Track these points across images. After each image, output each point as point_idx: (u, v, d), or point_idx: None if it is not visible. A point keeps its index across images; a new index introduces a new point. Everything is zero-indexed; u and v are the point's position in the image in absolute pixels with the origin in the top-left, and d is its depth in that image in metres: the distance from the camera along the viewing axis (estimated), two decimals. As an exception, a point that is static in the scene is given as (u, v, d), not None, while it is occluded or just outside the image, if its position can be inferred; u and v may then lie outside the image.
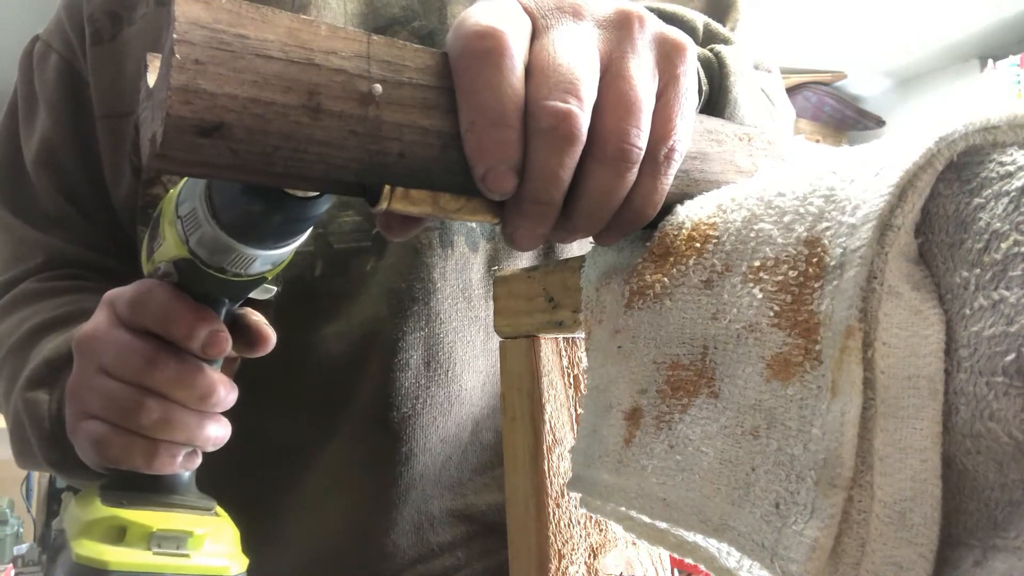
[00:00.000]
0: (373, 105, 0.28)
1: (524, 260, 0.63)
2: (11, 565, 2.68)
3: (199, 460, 0.44)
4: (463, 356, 0.60)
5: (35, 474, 3.21)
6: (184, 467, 0.43)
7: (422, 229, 0.34)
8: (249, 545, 0.47)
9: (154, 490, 0.43)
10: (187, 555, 0.41)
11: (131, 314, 0.42)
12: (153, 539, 0.40)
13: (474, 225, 0.60)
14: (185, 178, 0.40)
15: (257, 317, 0.46)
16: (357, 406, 0.58)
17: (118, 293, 0.44)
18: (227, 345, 0.42)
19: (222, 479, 0.50)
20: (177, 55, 0.25)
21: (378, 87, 0.28)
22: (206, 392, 0.42)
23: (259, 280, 0.42)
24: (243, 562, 0.44)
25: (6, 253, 0.67)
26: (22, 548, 2.77)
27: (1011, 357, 0.22)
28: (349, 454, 0.58)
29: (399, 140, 0.29)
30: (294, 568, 0.60)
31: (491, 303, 0.61)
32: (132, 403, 0.41)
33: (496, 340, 0.61)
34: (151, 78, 0.30)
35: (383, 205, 0.30)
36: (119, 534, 0.41)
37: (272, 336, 0.47)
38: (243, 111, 0.26)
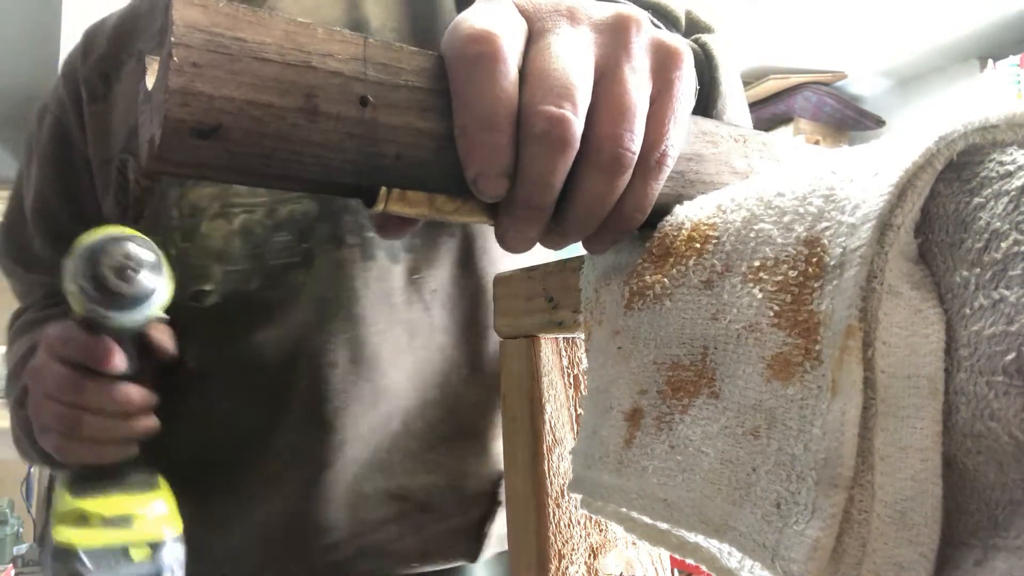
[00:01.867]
0: (369, 107, 0.28)
1: (443, 269, 0.67)
2: (11, 565, 2.68)
3: (136, 448, 0.58)
4: (388, 355, 0.66)
5: (35, 474, 3.21)
6: (125, 454, 0.57)
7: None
8: (205, 525, 0.59)
9: (108, 476, 0.56)
10: (133, 529, 0.55)
11: (60, 351, 0.56)
12: (107, 522, 0.54)
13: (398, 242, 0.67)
14: (75, 251, 0.52)
15: (158, 335, 0.60)
16: (295, 401, 0.65)
17: (51, 335, 0.57)
18: (120, 363, 0.55)
19: (185, 467, 0.61)
20: (175, 58, 0.25)
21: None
22: (124, 401, 0.55)
23: (146, 322, 0.56)
24: (178, 526, 0.57)
25: (18, 292, 0.84)
26: (22, 548, 2.78)
27: (1011, 356, 0.22)
28: (291, 443, 0.65)
29: (395, 142, 0.29)
30: (245, 543, 0.67)
31: (413, 307, 0.66)
32: (73, 419, 0.54)
33: (421, 339, 0.66)
34: (149, 81, 0.30)
35: (380, 207, 0.30)
36: (83, 520, 0.54)
37: (170, 347, 0.61)
38: (240, 113, 0.26)
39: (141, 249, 0.53)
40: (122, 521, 0.54)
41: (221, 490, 0.66)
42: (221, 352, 0.64)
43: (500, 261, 0.69)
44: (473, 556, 0.65)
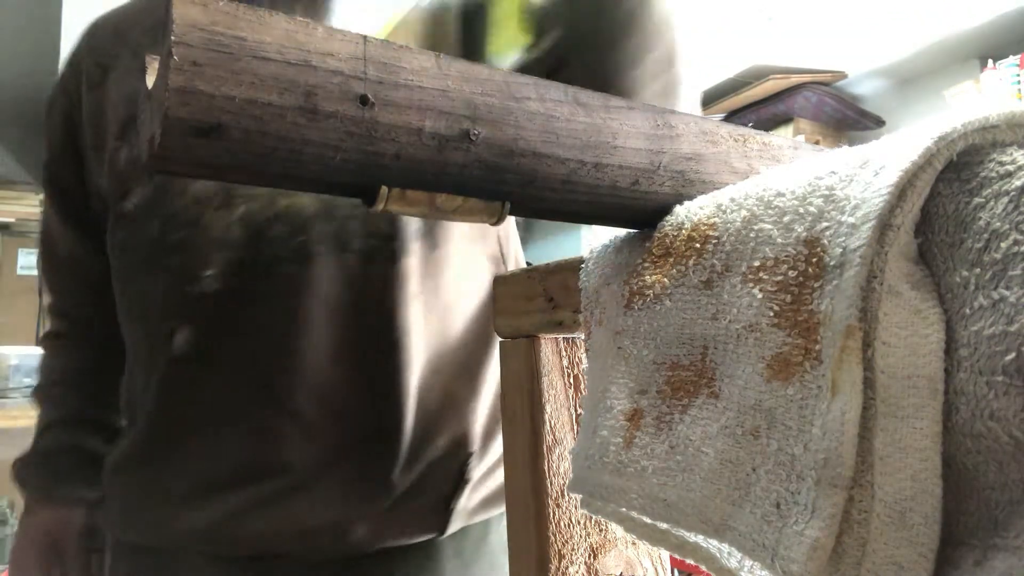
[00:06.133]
0: (369, 106, 0.28)
1: (441, 277, 0.71)
2: (12, 567, 2.67)
3: None
4: (374, 353, 0.70)
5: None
6: None
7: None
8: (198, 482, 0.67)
9: None
10: None
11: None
12: None
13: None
14: None
15: None
16: (287, 390, 0.68)
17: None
18: None
19: (179, 446, 0.68)
20: (175, 56, 0.25)
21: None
22: None
23: None
24: None
25: (52, 288, 0.89)
26: (23, 550, 2.77)
27: (1011, 356, 0.22)
28: (282, 431, 0.71)
29: (395, 141, 0.29)
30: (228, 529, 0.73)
31: (406, 309, 0.68)
32: None
33: (411, 338, 0.67)
34: (150, 80, 0.30)
35: (380, 206, 0.30)
36: None
37: None
38: (240, 112, 0.26)
39: None
40: None
41: (221, 460, 0.68)
42: (219, 338, 0.67)
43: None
44: (440, 530, 0.69)
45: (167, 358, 0.67)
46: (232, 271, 0.66)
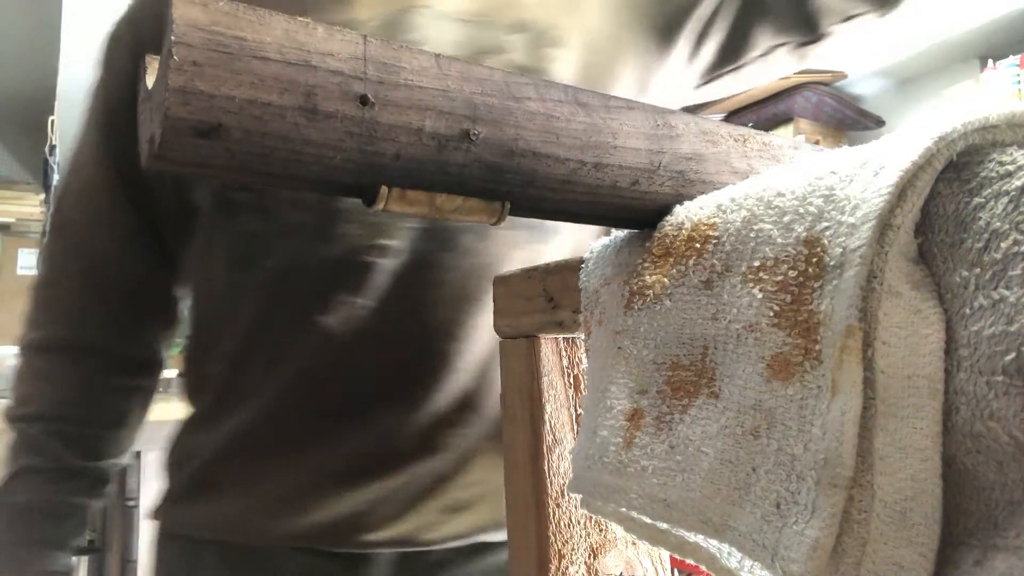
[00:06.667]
0: (369, 106, 0.28)
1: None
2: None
3: None
4: None
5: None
6: None
7: None
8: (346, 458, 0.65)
9: None
10: None
11: None
12: None
13: None
14: None
15: None
16: (449, 363, 0.67)
17: None
18: None
19: (336, 416, 0.65)
20: (175, 57, 0.25)
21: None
22: None
23: None
24: None
25: (44, 301, 0.80)
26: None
27: (1011, 356, 0.22)
28: (438, 410, 0.69)
29: (395, 141, 0.29)
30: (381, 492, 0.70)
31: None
32: None
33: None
34: (149, 80, 0.30)
35: (379, 206, 0.30)
36: None
37: None
38: (240, 112, 0.26)
39: None
40: None
41: (373, 441, 0.66)
42: (391, 311, 0.65)
43: None
44: None
45: (320, 333, 0.63)
46: (414, 243, 0.64)
